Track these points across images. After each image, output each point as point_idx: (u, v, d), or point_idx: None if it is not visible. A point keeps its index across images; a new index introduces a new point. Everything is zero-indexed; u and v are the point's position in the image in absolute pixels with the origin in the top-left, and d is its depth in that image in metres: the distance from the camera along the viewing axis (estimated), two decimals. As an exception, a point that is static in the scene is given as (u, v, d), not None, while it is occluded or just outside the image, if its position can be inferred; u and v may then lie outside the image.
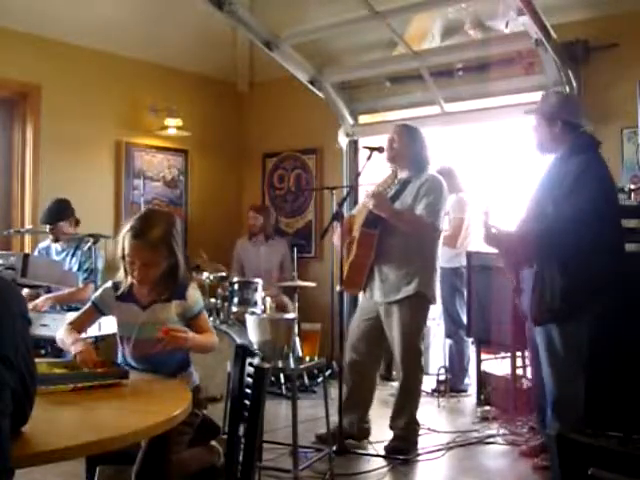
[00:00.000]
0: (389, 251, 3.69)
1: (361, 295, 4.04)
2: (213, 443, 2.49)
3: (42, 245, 4.61)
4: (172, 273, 2.38)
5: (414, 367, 3.73)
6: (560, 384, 3.20)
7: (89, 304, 2.50)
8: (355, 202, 5.28)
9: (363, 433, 3.82)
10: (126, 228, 2.36)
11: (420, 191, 3.68)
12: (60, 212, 4.47)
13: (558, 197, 3.13)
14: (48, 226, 4.46)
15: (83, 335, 3.11)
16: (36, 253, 4.57)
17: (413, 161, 3.78)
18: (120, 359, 2.43)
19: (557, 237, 3.10)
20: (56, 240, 4.50)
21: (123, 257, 2.36)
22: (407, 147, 3.78)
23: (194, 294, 2.43)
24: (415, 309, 3.68)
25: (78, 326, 2.47)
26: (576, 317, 3.11)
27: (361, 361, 3.84)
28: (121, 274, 2.41)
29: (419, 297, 3.67)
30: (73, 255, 4.44)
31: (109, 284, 2.48)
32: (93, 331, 3.42)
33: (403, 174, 3.81)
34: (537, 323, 3.23)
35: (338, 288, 3.77)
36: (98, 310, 2.47)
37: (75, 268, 4.38)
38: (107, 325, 3.19)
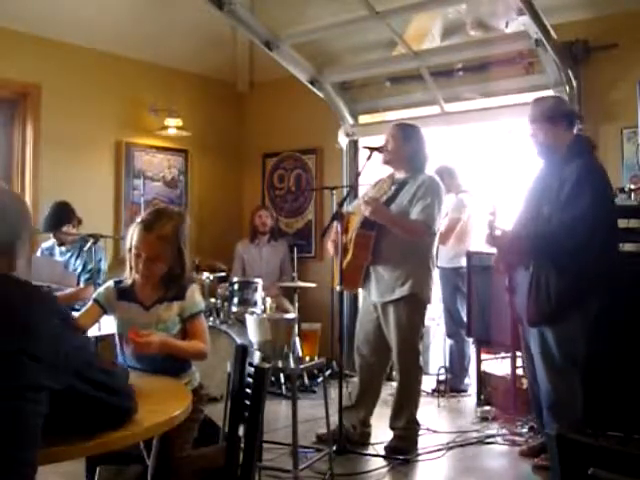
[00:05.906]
0: (384, 252, 3.68)
1: (361, 295, 4.04)
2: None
3: (45, 245, 4.57)
4: (177, 273, 2.37)
5: (412, 367, 3.73)
6: (556, 386, 3.20)
7: (91, 302, 2.47)
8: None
9: (364, 437, 3.81)
10: (137, 221, 2.37)
11: (417, 194, 3.65)
12: (60, 217, 4.42)
13: (555, 202, 3.15)
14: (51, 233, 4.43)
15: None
16: (38, 253, 4.52)
17: (409, 161, 3.75)
18: (120, 359, 2.41)
19: (555, 243, 3.12)
20: (61, 244, 4.48)
21: (130, 250, 2.36)
22: (402, 148, 3.74)
23: (193, 295, 2.41)
24: (411, 309, 3.67)
25: (82, 324, 2.41)
26: (570, 318, 3.12)
27: (366, 364, 3.84)
28: (126, 271, 2.40)
29: (414, 298, 3.66)
30: (78, 256, 4.41)
31: (111, 282, 2.47)
32: (93, 331, 3.41)
33: (400, 175, 3.80)
34: (532, 324, 3.23)
35: (338, 288, 3.76)
36: (101, 307, 2.44)
37: (80, 269, 4.35)
38: (107, 325, 3.18)
